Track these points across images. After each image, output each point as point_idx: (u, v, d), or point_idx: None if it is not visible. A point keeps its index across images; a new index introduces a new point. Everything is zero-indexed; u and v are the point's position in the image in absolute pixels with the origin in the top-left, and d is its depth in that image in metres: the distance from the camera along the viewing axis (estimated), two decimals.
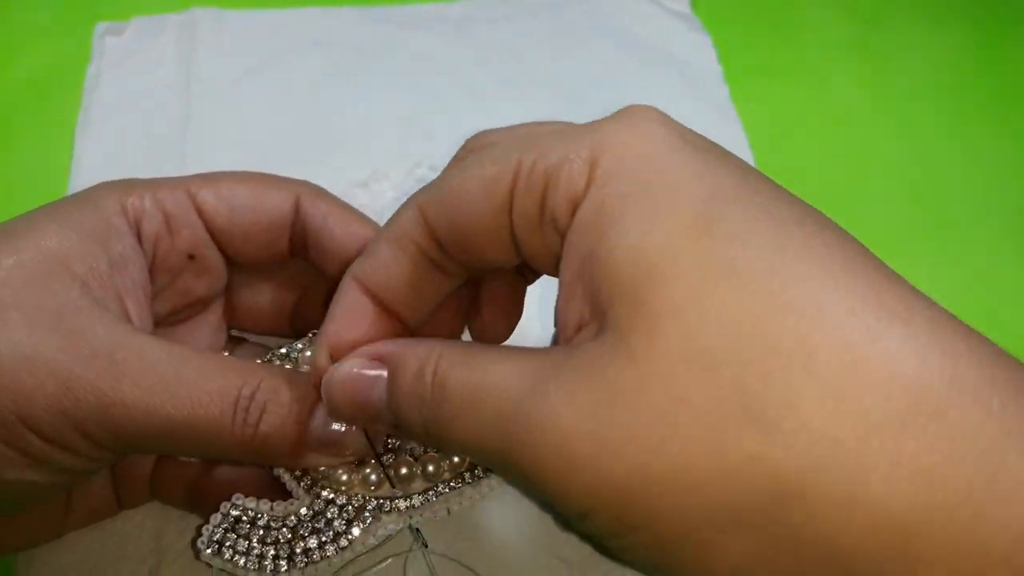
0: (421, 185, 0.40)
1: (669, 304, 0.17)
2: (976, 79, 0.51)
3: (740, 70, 0.49)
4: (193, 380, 0.22)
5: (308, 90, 0.45)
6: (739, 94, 0.48)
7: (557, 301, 0.20)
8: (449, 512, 0.26)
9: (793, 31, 0.52)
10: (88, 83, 0.45)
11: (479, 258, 0.22)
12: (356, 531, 0.25)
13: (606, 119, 0.20)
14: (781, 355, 0.16)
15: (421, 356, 0.21)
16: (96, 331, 0.22)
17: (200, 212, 0.27)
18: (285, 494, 0.26)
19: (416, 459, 0.26)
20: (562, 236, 0.20)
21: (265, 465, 0.27)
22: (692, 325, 0.16)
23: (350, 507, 0.25)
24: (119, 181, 0.27)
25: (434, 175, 0.41)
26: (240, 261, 0.29)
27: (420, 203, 0.22)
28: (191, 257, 0.28)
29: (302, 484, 0.25)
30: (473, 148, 0.24)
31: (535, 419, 0.18)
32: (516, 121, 0.44)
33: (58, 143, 0.42)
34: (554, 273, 0.21)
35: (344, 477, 0.25)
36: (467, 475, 0.26)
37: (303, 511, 0.25)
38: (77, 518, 0.27)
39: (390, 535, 0.25)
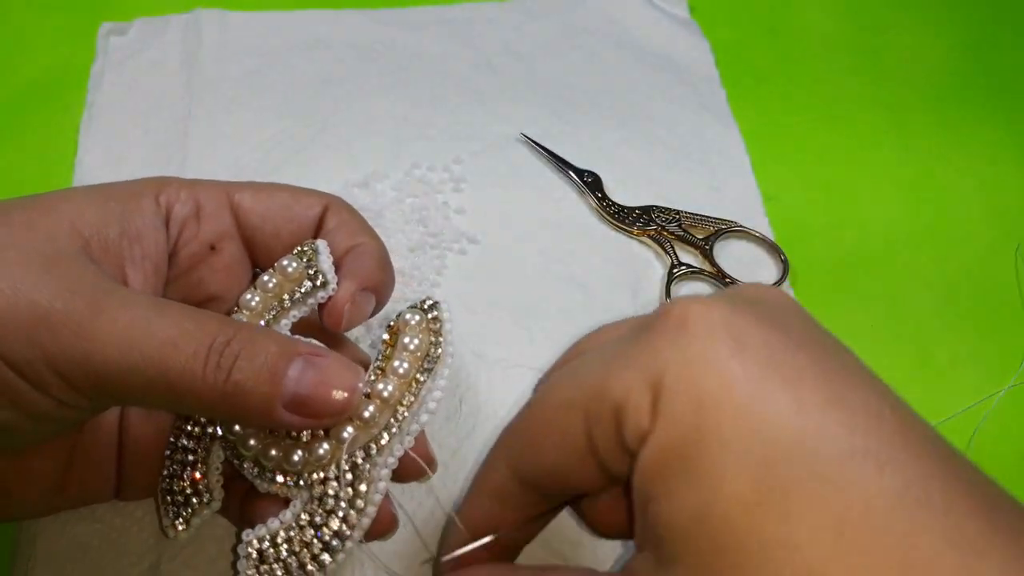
0: (421, 185, 0.42)
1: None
2: (972, 82, 0.51)
3: (738, 74, 0.49)
4: (172, 320, 0.22)
5: (309, 90, 0.46)
6: (737, 98, 0.48)
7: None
8: (429, 415, 0.26)
9: (790, 35, 0.53)
10: (92, 82, 0.45)
11: (576, 489, 0.23)
12: (363, 487, 0.25)
13: (664, 332, 0.19)
14: None
15: None
16: (84, 276, 0.23)
17: (235, 209, 0.29)
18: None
19: (368, 395, 0.26)
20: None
21: (237, 423, 0.27)
22: None
23: (346, 473, 0.25)
24: (163, 177, 0.28)
25: (433, 175, 0.42)
26: (266, 264, 0.30)
27: (509, 460, 0.24)
28: (213, 248, 0.28)
29: (288, 482, 0.26)
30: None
31: None
32: (515, 122, 0.45)
33: (62, 141, 0.43)
34: None
35: (321, 451, 0.25)
36: (419, 376, 0.26)
37: (307, 504, 0.25)
38: (73, 495, 0.27)
39: (392, 468, 0.26)
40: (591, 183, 0.43)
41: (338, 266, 0.28)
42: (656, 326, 0.20)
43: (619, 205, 0.42)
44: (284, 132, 0.44)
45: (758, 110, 0.48)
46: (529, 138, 0.44)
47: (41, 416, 0.22)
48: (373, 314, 0.29)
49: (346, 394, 0.24)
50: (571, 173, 0.43)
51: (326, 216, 0.29)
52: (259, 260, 0.30)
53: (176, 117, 0.44)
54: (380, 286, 0.29)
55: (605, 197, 0.42)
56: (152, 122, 0.43)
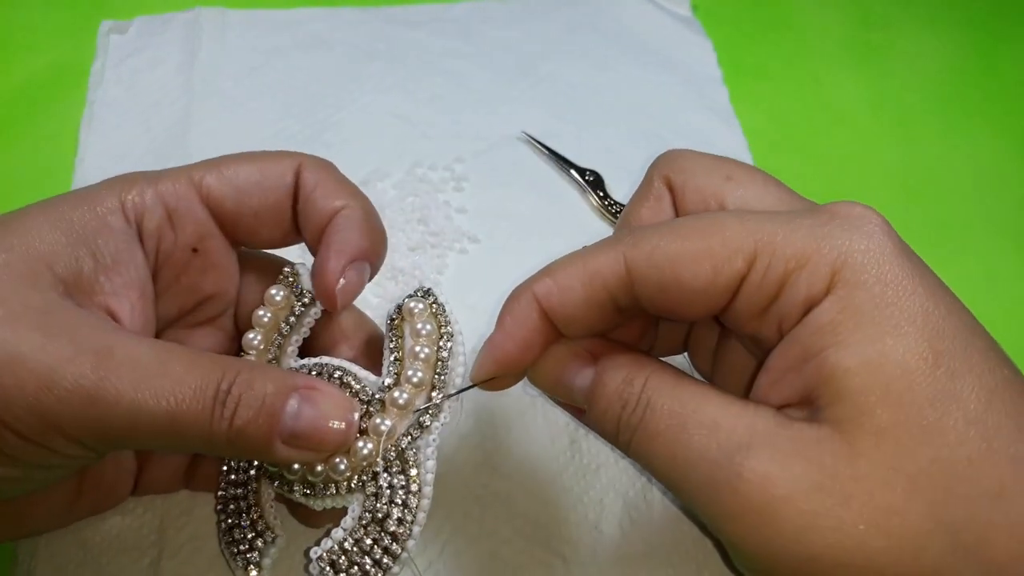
0: (422, 184, 0.41)
1: (900, 422, 0.20)
2: (973, 80, 0.51)
3: (740, 72, 0.49)
4: (177, 375, 0.22)
5: (309, 88, 0.46)
6: (739, 96, 0.48)
7: (760, 375, 0.23)
8: (461, 392, 0.27)
9: (791, 33, 0.53)
10: (92, 80, 0.45)
11: (678, 317, 0.24)
12: (414, 471, 0.26)
13: (836, 221, 0.22)
14: (984, 496, 0.20)
15: (631, 366, 0.24)
16: (80, 330, 0.22)
17: (207, 199, 0.27)
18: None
19: (396, 383, 0.26)
20: (780, 328, 0.22)
21: (244, 459, 0.27)
22: (916, 449, 0.20)
23: (393, 463, 0.26)
24: (121, 177, 0.27)
25: (434, 174, 0.42)
26: (254, 244, 0.29)
27: (628, 258, 0.23)
28: (195, 251, 0.27)
29: (343, 489, 0.26)
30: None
31: (747, 476, 0.20)
32: (516, 121, 0.45)
33: (63, 139, 0.43)
34: (747, 337, 0.24)
35: (365, 451, 0.25)
36: (440, 357, 0.27)
37: (367, 504, 0.26)
38: (86, 506, 0.28)
39: (435, 445, 0.26)
40: (593, 182, 0.43)
41: (323, 236, 0.27)
42: (834, 215, 0.22)
43: (621, 204, 0.42)
44: (284, 130, 0.44)
45: (760, 109, 0.48)
46: (531, 137, 0.44)
47: (50, 468, 0.23)
48: (371, 277, 0.28)
49: (342, 426, 0.24)
50: (573, 172, 0.43)
51: (301, 178, 0.27)
52: (245, 243, 0.29)
53: (176, 115, 0.44)
54: (369, 254, 0.28)
55: (607, 196, 0.42)
56: (152, 120, 0.43)
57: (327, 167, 0.28)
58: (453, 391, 0.27)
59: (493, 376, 0.25)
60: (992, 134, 0.48)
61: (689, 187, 0.25)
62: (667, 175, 0.26)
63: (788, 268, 0.21)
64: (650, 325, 0.28)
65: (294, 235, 0.29)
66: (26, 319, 0.22)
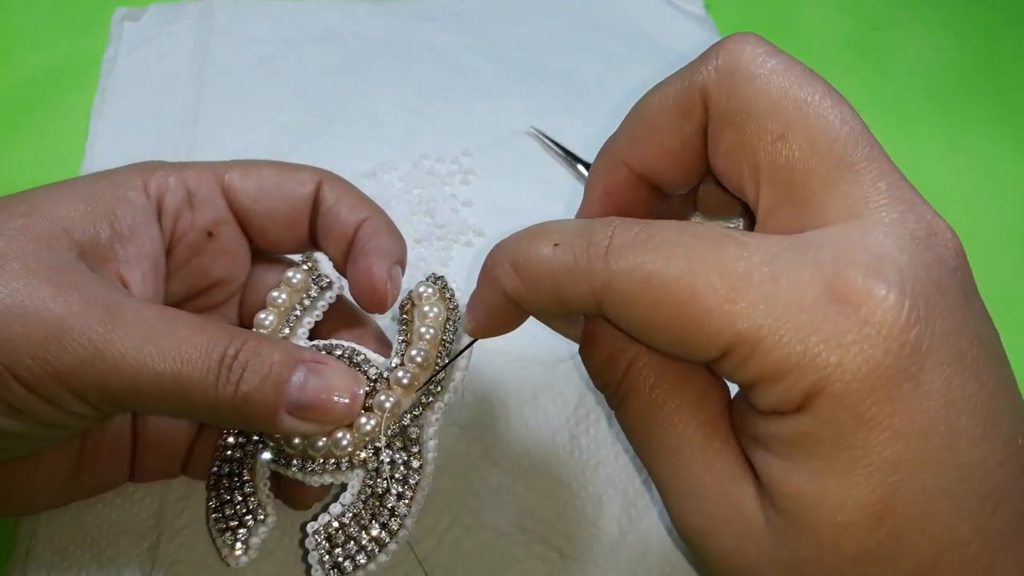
0: (430, 177, 0.41)
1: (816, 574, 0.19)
2: (973, 80, 0.51)
3: None
4: (184, 336, 0.22)
5: (320, 80, 0.46)
6: None
7: (732, 405, 0.22)
8: (463, 373, 0.27)
9: (795, 33, 0.53)
10: (105, 67, 0.45)
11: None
12: (416, 448, 0.26)
13: (843, 319, 0.18)
14: None
15: (615, 343, 0.23)
16: (91, 287, 0.23)
17: (227, 191, 0.28)
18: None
19: (401, 362, 0.26)
20: (748, 398, 0.20)
21: (247, 430, 0.27)
22: None
23: (395, 440, 0.26)
24: (146, 162, 0.28)
25: (441, 167, 0.42)
26: (263, 244, 0.30)
27: (598, 299, 0.20)
28: (210, 234, 0.28)
29: (344, 465, 0.26)
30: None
31: (684, 527, 0.22)
32: (525, 115, 0.44)
33: (74, 125, 0.43)
34: None
35: (368, 427, 0.25)
36: (444, 338, 0.27)
37: (367, 479, 0.26)
38: (87, 484, 0.28)
39: (436, 425, 0.26)
40: None
41: (352, 243, 0.29)
42: (844, 300, 0.18)
43: None
44: (294, 121, 0.44)
45: None
46: (539, 132, 0.44)
47: (53, 426, 0.23)
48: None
49: (348, 399, 0.25)
50: (580, 167, 0.43)
51: (321, 192, 0.29)
52: (255, 242, 0.30)
53: (187, 103, 0.44)
54: (402, 256, 0.29)
55: None
56: (163, 107, 0.44)
57: (345, 183, 0.30)
58: (458, 373, 0.27)
59: (479, 337, 0.25)
60: (992, 134, 0.48)
61: (729, 127, 0.21)
62: (710, 91, 0.22)
63: (762, 377, 0.19)
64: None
65: (304, 243, 0.30)
66: (39, 273, 0.22)
